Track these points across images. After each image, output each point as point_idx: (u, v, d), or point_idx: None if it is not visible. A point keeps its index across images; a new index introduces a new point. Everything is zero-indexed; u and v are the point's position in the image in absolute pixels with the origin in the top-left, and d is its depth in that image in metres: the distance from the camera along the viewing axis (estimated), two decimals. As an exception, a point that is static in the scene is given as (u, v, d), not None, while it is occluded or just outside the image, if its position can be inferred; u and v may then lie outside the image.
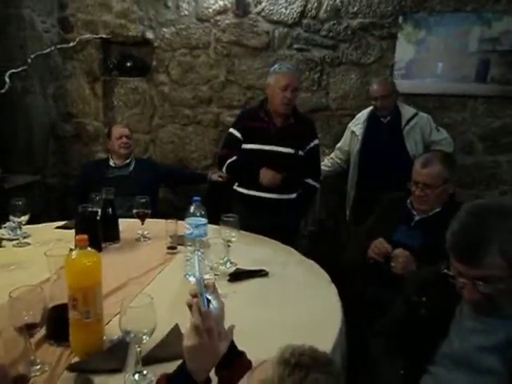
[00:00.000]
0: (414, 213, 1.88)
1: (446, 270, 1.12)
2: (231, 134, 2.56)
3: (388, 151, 2.82)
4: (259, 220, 2.23)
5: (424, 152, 2.34)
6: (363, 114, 2.97)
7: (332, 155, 3.17)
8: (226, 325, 0.98)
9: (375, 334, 1.39)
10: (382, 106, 2.80)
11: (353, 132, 2.98)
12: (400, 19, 3.04)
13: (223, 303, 0.95)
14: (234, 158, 2.50)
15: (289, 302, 1.48)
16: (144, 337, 1.02)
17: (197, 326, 0.86)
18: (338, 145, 3.13)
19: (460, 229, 1.07)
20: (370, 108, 2.93)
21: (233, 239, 1.73)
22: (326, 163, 3.13)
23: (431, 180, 1.79)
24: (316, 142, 2.51)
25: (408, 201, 1.92)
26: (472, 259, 1.04)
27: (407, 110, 2.86)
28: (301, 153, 2.44)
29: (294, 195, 2.48)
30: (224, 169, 2.58)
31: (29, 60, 3.35)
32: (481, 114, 3.06)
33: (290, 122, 2.44)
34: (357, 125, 2.97)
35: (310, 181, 2.50)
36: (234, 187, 2.60)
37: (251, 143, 2.45)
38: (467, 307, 1.14)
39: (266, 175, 2.37)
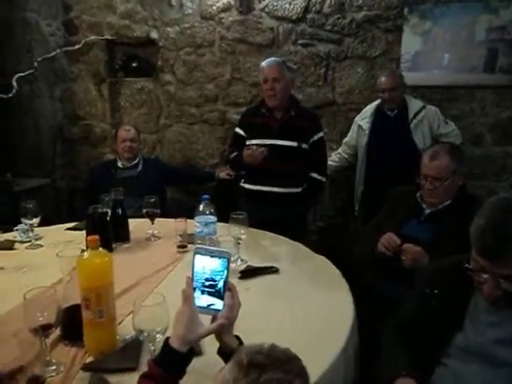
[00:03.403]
0: (424, 206, 1.86)
1: (466, 264, 1.10)
2: (235, 132, 2.63)
3: (395, 145, 2.80)
4: (265, 215, 2.23)
5: (431, 145, 2.32)
6: (370, 108, 2.95)
7: (339, 150, 3.16)
8: (238, 321, 0.98)
9: (388, 327, 1.38)
10: (390, 99, 2.78)
11: (360, 126, 2.96)
12: (405, 11, 3.01)
13: (240, 304, 0.99)
14: (235, 153, 2.54)
15: (300, 298, 1.48)
16: (157, 335, 1.02)
17: (182, 291, 0.95)
18: (345, 139, 3.11)
19: (486, 225, 1.04)
20: (377, 102, 2.92)
21: (242, 237, 1.73)
22: (334, 158, 3.12)
23: (440, 173, 1.77)
24: (320, 134, 2.50)
25: (417, 194, 1.90)
26: (499, 257, 1.02)
27: (414, 103, 2.83)
28: (304, 146, 2.43)
29: (299, 189, 2.48)
30: (228, 167, 2.66)
31: (35, 63, 3.37)
32: (489, 104, 3.02)
33: (291, 115, 2.45)
34: (363, 119, 2.95)
35: (315, 175, 2.49)
36: (240, 183, 2.62)
37: (254, 138, 2.47)
38: (482, 300, 1.13)
39: (248, 152, 2.38)
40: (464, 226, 1.12)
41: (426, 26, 2.99)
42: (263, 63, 2.48)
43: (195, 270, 0.98)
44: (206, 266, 0.97)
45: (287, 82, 2.44)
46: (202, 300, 0.97)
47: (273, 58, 2.51)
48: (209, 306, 0.97)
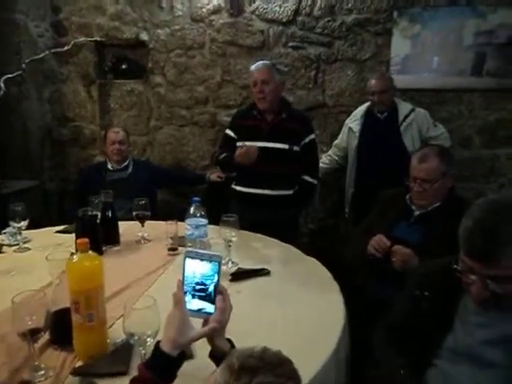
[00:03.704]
0: (414, 208, 1.87)
1: (455, 266, 1.11)
2: (226, 134, 2.61)
3: (385, 147, 2.82)
4: (256, 217, 2.23)
5: (420, 147, 2.34)
6: (360, 111, 2.97)
7: (329, 152, 3.17)
8: (229, 324, 0.98)
9: (378, 328, 1.39)
10: (380, 101, 2.80)
11: (350, 128, 2.97)
12: (395, 14, 3.04)
13: (231, 307, 0.99)
14: (225, 154, 2.52)
15: (292, 300, 1.48)
16: (148, 339, 1.02)
17: (173, 294, 0.95)
18: (336, 142, 3.13)
19: (474, 226, 1.04)
20: (367, 104, 2.93)
21: (233, 239, 1.72)
22: (324, 160, 3.13)
23: (429, 175, 1.78)
24: (312, 137, 2.50)
25: (407, 197, 1.91)
26: (487, 258, 1.02)
27: (404, 106, 2.86)
28: (296, 148, 2.43)
29: (291, 192, 2.48)
30: (218, 168, 2.64)
31: (23, 65, 3.34)
32: (477, 107, 3.06)
33: (282, 117, 2.45)
34: (354, 121, 2.97)
35: (306, 177, 2.50)
36: (231, 185, 2.61)
37: (244, 141, 2.45)
38: (471, 302, 1.14)
39: (241, 151, 2.34)
40: (453, 228, 1.13)
41: (415, 29, 3.02)
42: (252, 67, 2.48)
43: (186, 274, 0.97)
44: (197, 270, 0.97)
45: (277, 84, 2.44)
46: (193, 304, 0.97)
47: (261, 61, 2.51)
48: (199, 310, 0.97)
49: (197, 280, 0.97)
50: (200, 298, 0.97)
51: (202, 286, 0.97)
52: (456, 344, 1.17)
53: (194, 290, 0.97)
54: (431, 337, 1.21)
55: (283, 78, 2.61)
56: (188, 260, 0.98)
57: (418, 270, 1.49)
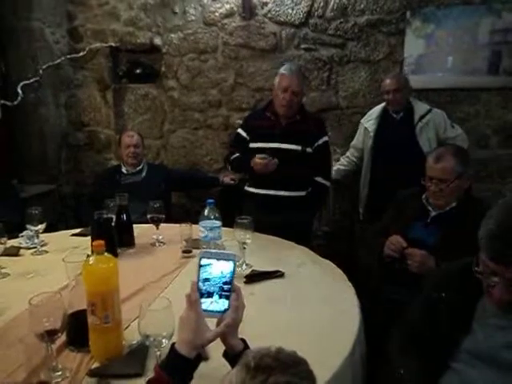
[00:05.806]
0: (430, 209, 1.85)
1: (476, 268, 1.09)
2: (238, 133, 2.61)
3: (400, 148, 2.79)
4: (270, 218, 2.24)
5: (436, 147, 2.31)
6: (375, 111, 2.95)
7: (348, 153, 3.15)
8: (244, 326, 0.98)
9: (395, 331, 1.37)
10: (394, 100, 2.77)
11: (366, 128, 2.95)
12: (408, 14, 3.02)
13: (244, 305, 0.99)
14: (237, 154, 2.53)
15: (306, 303, 1.47)
16: (163, 340, 1.02)
17: (186, 296, 0.94)
18: (353, 142, 3.11)
19: (497, 228, 1.03)
20: (382, 104, 2.91)
21: (248, 241, 1.72)
22: (343, 162, 3.11)
23: (445, 175, 1.76)
24: (325, 139, 2.50)
25: (423, 197, 1.89)
26: (510, 262, 1.00)
27: (420, 107, 2.83)
28: (309, 150, 2.43)
29: (303, 193, 2.47)
30: (229, 167, 2.63)
31: (40, 71, 3.40)
32: (494, 106, 3.01)
33: (296, 119, 2.45)
34: (369, 121, 2.95)
35: (319, 179, 2.49)
36: (245, 187, 2.62)
37: (257, 142, 2.46)
38: (490, 304, 1.11)
39: (262, 162, 2.35)
40: (470, 229, 1.11)
41: (428, 28, 2.99)
42: (284, 70, 2.44)
43: (213, 274, 0.97)
44: (225, 269, 0.97)
45: (302, 93, 2.45)
46: (220, 304, 0.97)
47: (294, 67, 2.49)
48: (226, 310, 0.97)
49: (225, 279, 0.97)
50: (227, 297, 0.97)
51: (230, 286, 0.97)
52: (475, 347, 1.15)
53: (222, 289, 0.97)
54: (448, 339, 1.19)
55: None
56: (210, 261, 0.98)
57: (435, 271, 1.47)
